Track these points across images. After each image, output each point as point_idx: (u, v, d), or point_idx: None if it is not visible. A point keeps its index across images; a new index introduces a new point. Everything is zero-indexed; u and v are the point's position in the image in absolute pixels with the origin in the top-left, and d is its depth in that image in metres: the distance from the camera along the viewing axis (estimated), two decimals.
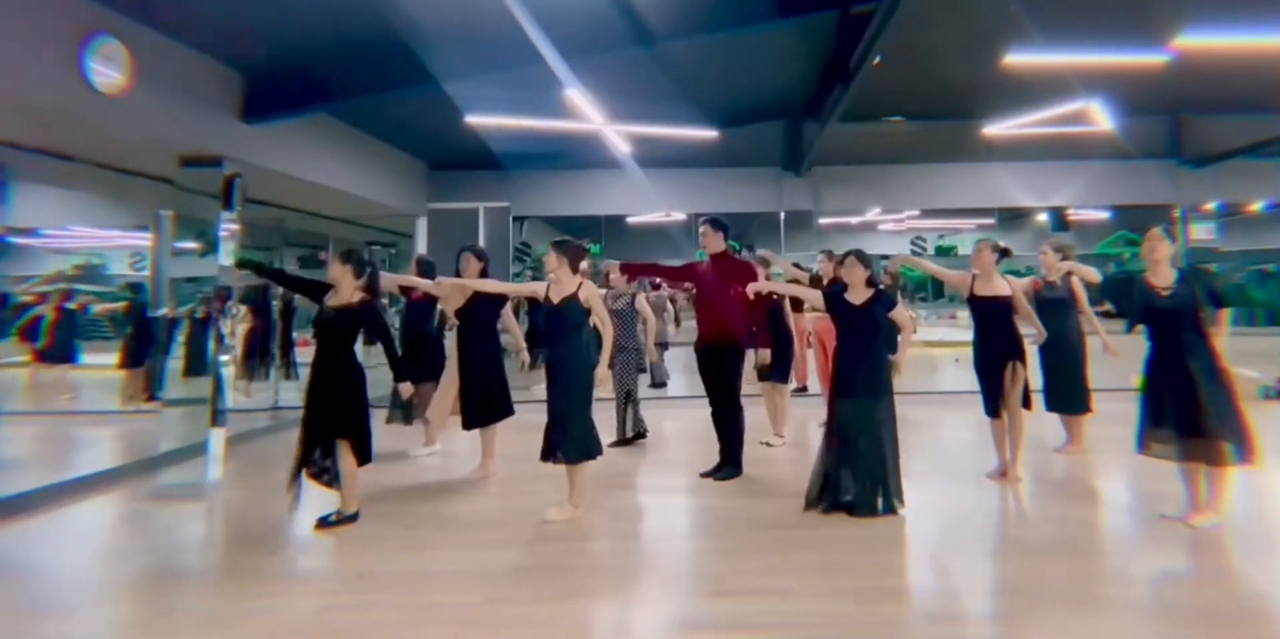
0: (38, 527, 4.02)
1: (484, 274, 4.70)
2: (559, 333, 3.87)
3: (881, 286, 4.02)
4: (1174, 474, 3.65)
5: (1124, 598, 2.87)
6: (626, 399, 5.62)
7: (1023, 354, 4.36)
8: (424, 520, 3.93)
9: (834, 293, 4.03)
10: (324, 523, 3.73)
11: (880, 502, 3.78)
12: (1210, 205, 9.54)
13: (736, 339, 4.62)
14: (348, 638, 2.63)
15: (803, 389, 7.16)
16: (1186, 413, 3.45)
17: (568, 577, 3.15)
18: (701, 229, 4.68)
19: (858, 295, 3.93)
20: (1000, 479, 4.42)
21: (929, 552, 3.42)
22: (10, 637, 2.70)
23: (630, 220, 10.64)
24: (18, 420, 7.12)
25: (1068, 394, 4.99)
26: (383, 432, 5.55)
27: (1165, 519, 3.63)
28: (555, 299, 3.85)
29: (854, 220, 11.08)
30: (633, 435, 5.65)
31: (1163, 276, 3.56)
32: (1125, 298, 3.63)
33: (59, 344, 7.69)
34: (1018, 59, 5.61)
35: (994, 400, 4.38)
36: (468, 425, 4.69)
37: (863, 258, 3.95)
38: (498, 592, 2.96)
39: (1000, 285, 4.41)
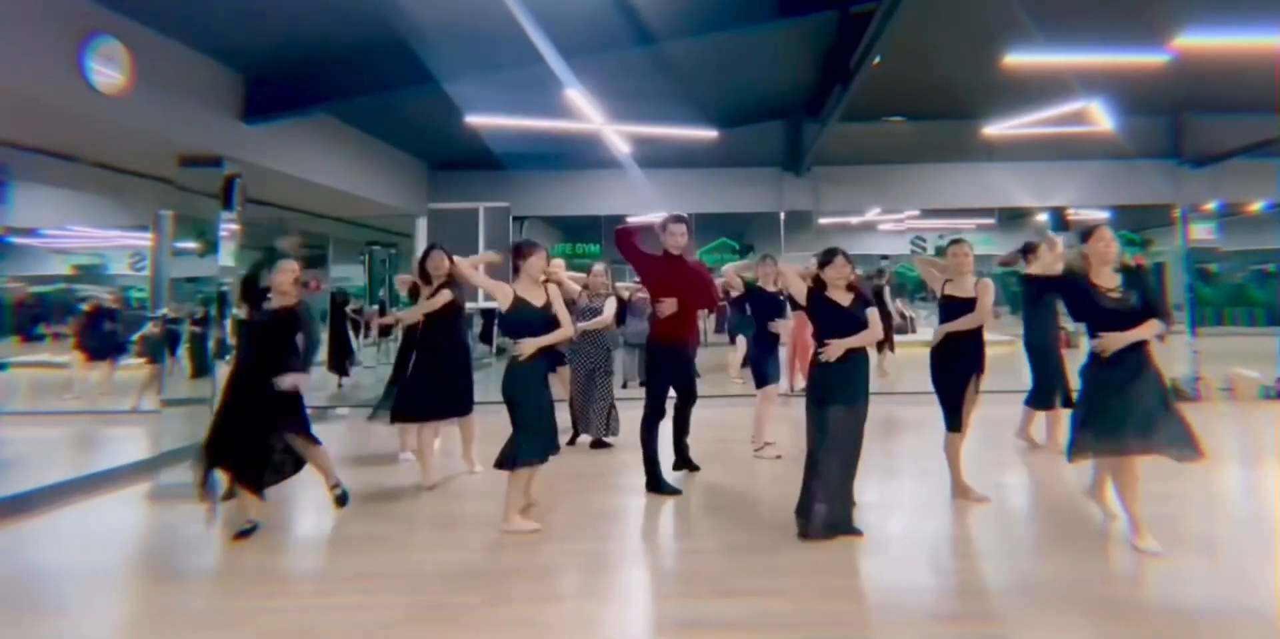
0: (38, 526, 4.02)
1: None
2: (523, 336, 3.75)
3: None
4: (1157, 474, 3.65)
5: (1124, 598, 2.87)
6: (609, 398, 5.60)
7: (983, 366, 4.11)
8: (423, 520, 3.94)
9: (815, 294, 3.69)
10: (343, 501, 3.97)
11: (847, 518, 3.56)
12: (1210, 205, 9.55)
13: (692, 337, 4.66)
14: (348, 638, 2.64)
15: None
16: (1138, 416, 3.23)
17: (567, 577, 3.15)
18: (674, 227, 4.47)
19: (841, 296, 3.65)
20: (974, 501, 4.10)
21: (928, 551, 3.42)
22: (11, 636, 2.70)
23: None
24: (18, 420, 7.12)
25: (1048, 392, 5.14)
26: (385, 432, 5.57)
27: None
28: (539, 303, 3.79)
29: (854, 220, 11.09)
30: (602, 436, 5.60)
31: (1107, 278, 3.39)
32: (1073, 299, 3.47)
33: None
34: (1018, 59, 5.61)
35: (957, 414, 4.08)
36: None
37: (849, 258, 3.66)
38: (497, 592, 2.96)
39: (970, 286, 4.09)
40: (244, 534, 3.62)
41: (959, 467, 4.13)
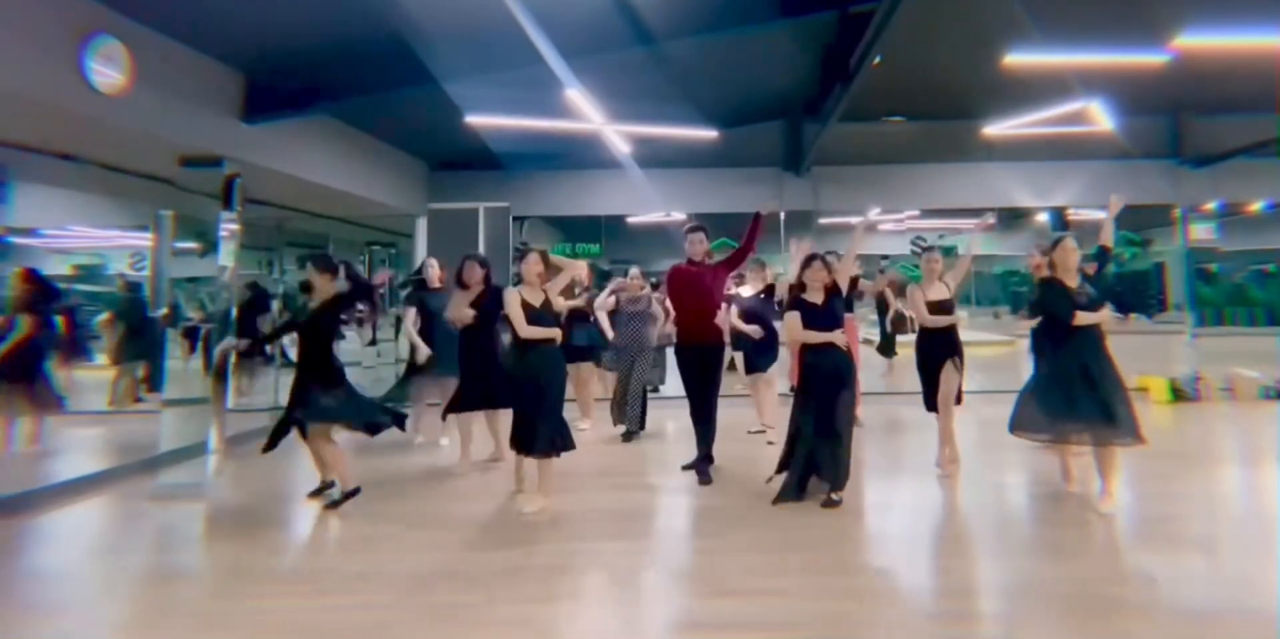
0: (38, 527, 4.02)
1: (488, 279, 4.88)
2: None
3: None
4: (1158, 473, 3.67)
5: (1124, 598, 2.87)
6: (642, 394, 5.83)
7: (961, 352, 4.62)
8: (423, 520, 3.93)
9: (796, 301, 4.23)
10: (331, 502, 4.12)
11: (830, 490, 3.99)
12: (1210, 205, 9.54)
13: (718, 338, 4.73)
14: (347, 638, 2.63)
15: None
16: (1093, 400, 3.74)
17: (567, 577, 3.15)
18: (693, 237, 4.78)
19: (816, 296, 4.18)
20: (944, 469, 4.61)
21: (928, 551, 3.42)
22: (10, 637, 2.70)
23: (630, 220, 10.64)
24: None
25: None
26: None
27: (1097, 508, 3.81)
28: (537, 303, 4.09)
29: (854, 220, 11.06)
30: (636, 430, 5.81)
31: (1071, 279, 3.97)
32: (1057, 301, 3.96)
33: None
34: (1018, 59, 5.62)
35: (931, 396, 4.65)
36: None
37: (826, 262, 4.24)
38: (498, 592, 2.96)
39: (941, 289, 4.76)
40: (322, 494, 4.11)
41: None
